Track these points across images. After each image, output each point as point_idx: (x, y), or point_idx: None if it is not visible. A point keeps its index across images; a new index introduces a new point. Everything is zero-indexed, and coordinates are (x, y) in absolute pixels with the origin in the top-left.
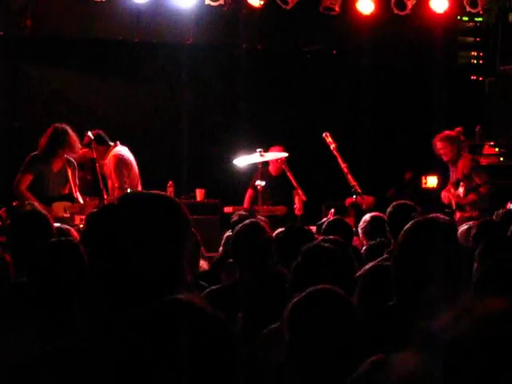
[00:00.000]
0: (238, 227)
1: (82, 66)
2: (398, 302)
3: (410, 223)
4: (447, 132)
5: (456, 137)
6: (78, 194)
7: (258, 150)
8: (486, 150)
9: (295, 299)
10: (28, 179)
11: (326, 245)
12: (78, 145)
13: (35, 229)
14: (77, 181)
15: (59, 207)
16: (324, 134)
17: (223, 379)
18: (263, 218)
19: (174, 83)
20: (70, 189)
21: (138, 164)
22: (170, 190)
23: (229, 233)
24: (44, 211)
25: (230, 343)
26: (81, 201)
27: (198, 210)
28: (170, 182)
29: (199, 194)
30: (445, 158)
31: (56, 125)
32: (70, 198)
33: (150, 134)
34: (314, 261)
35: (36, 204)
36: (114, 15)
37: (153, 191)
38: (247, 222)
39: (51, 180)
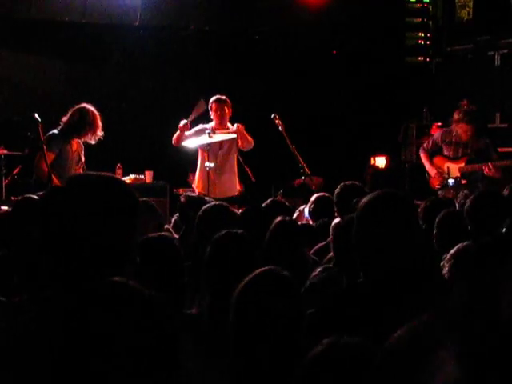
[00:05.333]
0: (203, 209)
1: (28, 46)
2: (365, 279)
3: (370, 195)
4: (469, 110)
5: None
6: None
7: (207, 131)
8: (434, 130)
9: (242, 282)
10: (50, 158)
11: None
12: (101, 130)
13: None
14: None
15: None
16: (272, 116)
17: (158, 356)
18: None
19: (121, 65)
20: (84, 169)
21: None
22: (119, 172)
23: (175, 217)
24: None
25: (162, 323)
26: None
27: (147, 192)
28: (119, 165)
29: (148, 175)
30: (464, 138)
31: (84, 105)
32: None
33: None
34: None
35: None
36: None
37: (101, 173)
38: (213, 204)
39: (70, 160)
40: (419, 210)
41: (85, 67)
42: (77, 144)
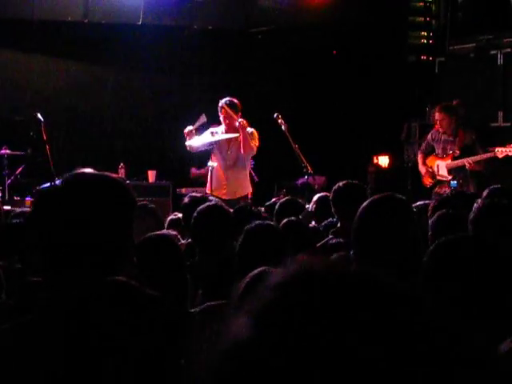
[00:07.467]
0: (199, 208)
1: (30, 46)
2: None
3: (368, 201)
4: (446, 103)
5: (454, 108)
6: None
7: (210, 130)
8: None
9: (244, 281)
10: None
11: (267, 222)
12: None
13: None
14: None
15: None
16: (275, 115)
17: (162, 355)
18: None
19: (124, 64)
20: None
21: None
22: (122, 172)
23: (172, 216)
24: None
25: (167, 321)
26: None
27: (150, 192)
28: (122, 164)
29: (151, 175)
30: (441, 130)
31: None
32: None
33: (101, 115)
34: (257, 239)
35: None
36: None
37: (99, 172)
38: (209, 203)
39: None
40: (429, 210)
41: (87, 67)
42: None
